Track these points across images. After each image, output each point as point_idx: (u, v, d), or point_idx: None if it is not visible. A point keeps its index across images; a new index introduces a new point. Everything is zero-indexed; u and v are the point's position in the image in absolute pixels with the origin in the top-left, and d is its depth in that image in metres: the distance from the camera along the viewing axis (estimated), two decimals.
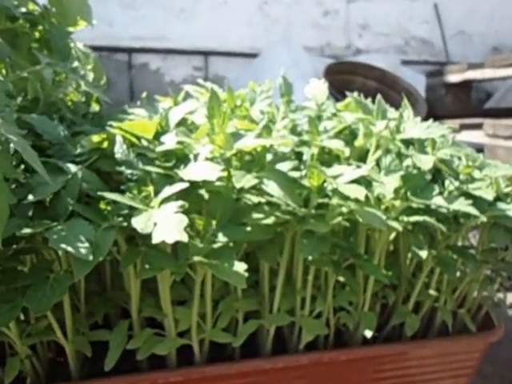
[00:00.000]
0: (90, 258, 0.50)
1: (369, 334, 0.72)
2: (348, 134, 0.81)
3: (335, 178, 0.62)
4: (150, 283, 0.72)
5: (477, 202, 0.69)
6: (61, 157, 0.64)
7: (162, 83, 3.05)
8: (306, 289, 0.74)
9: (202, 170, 0.57)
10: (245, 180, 0.59)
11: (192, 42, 3.20)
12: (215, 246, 0.60)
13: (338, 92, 2.23)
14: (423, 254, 0.67)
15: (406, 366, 0.81)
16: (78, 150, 0.64)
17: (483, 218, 0.66)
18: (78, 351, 0.73)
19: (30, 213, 0.58)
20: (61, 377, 0.74)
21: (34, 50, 0.71)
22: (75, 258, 0.52)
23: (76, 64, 0.87)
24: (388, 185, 0.62)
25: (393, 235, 0.82)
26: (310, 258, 0.67)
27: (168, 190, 0.55)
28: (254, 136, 0.63)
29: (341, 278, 0.79)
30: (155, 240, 0.51)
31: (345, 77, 2.76)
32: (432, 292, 0.80)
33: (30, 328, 0.70)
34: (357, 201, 0.63)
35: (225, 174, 0.59)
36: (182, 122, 0.75)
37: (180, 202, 0.54)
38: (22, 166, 0.62)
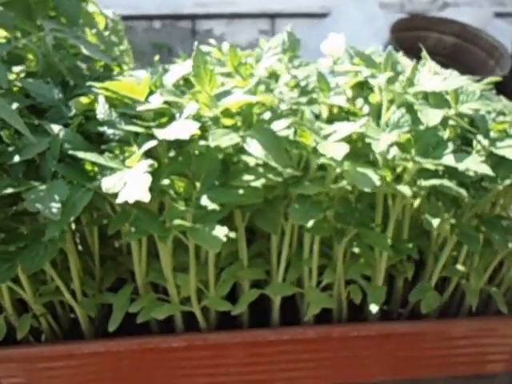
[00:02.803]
0: (58, 218, 0.50)
1: (374, 308, 0.66)
2: (366, 91, 0.73)
3: (327, 136, 0.56)
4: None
5: (505, 162, 0.59)
6: (56, 119, 0.64)
7: None
8: (313, 258, 0.69)
9: (175, 128, 0.54)
10: (226, 139, 0.55)
11: (257, 5, 3.10)
12: (200, 209, 0.58)
13: (408, 50, 2.03)
14: (435, 222, 0.59)
15: (427, 347, 0.74)
16: (73, 112, 0.64)
17: (506, 181, 0.56)
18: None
19: None
20: (79, 335, 0.77)
21: (38, 17, 0.71)
22: (48, 218, 0.52)
23: (94, 30, 0.88)
24: (383, 142, 0.55)
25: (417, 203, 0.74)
26: (308, 225, 0.62)
27: (141, 150, 0.53)
28: (243, 93, 0.59)
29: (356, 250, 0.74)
30: (119, 200, 0.49)
31: (417, 33, 2.49)
32: (460, 268, 0.71)
33: (42, 288, 0.73)
34: (353, 161, 0.57)
35: (198, 132, 0.55)
36: (186, 83, 0.73)
37: (149, 161, 0.52)
38: None
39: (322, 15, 3.17)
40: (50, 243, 0.61)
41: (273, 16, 3.21)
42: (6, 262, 0.62)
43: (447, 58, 2.51)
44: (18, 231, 0.65)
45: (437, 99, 0.60)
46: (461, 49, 2.62)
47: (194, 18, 3.06)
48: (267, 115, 0.64)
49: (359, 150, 0.66)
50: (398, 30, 2.32)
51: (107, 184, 0.51)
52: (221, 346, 0.73)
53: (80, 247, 0.81)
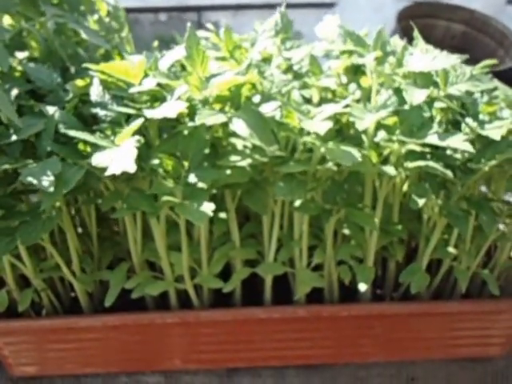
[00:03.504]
0: (51, 189, 0.53)
1: (363, 287, 0.67)
2: (359, 75, 0.74)
3: (312, 118, 0.58)
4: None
5: (492, 143, 0.59)
6: (54, 103, 0.67)
7: None
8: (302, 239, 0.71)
9: (164, 108, 0.56)
10: (212, 118, 0.57)
11: None
12: (188, 186, 0.60)
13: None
14: (421, 201, 0.59)
15: (420, 329, 0.75)
16: (70, 96, 0.67)
17: (491, 162, 0.57)
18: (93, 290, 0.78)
19: None
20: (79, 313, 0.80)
21: (41, 3, 0.74)
22: (42, 190, 0.54)
23: (96, 16, 0.90)
24: (367, 120, 0.56)
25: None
26: (293, 201, 0.64)
27: (129, 127, 0.55)
28: (233, 75, 0.61)
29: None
30: (107, 172, 0.51)
31: (424, 21, 2.42)
32: (451, 250, 0.72)
33: (42, 264, 0.76)
34: (339, 142, 0.58)
35: (186, 111, 0.57)
36: (183, 70, 0.74)
37: (137, 137, 0.54)
38: None
39: (330, 5, 3.15)
40: (47, 219, 0.64)
41: (279, 6, 3.18)
42: (6, 237, 0.65)
43: (456, 49, 2.47)
44: (17, 209, 0.68)
45: (425, 80, 0.60)
46: (469, 38, 2.56)
47: (199, 9, 3.08)
48: (257, 98, 0.66)
49: (349, 135, 0.68)
50: (404, 18, 2.27)
51: (97, 159, 0.53)
52: (213, 323, 0.75)
53: (81, 230, 0.84)
